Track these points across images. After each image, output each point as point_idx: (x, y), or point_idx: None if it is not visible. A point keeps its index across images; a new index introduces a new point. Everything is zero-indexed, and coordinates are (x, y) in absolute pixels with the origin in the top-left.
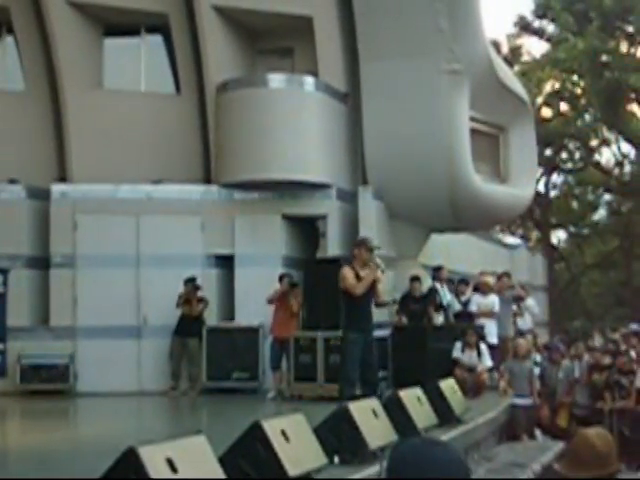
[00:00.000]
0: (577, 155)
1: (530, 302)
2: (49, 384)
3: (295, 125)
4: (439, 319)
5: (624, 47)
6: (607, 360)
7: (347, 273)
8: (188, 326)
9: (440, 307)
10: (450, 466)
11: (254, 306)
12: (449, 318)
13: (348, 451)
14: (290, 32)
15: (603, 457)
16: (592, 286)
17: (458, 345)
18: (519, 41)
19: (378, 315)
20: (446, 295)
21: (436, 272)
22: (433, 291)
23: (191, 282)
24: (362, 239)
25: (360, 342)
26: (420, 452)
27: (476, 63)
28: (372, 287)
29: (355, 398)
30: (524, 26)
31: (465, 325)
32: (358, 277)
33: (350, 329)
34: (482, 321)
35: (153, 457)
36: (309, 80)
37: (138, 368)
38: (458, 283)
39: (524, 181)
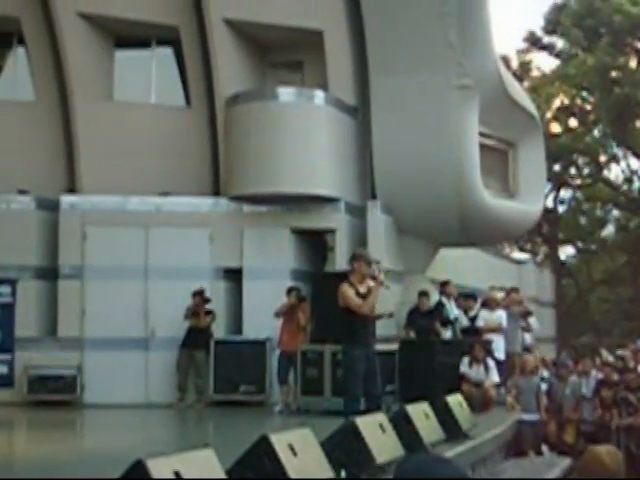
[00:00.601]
0: (586, 171)
1: (530, 319)
2: (56, 395)
3: (304, 139)
4: (447, 334)
5: (634, 63)
6: (616, 376)
7: (348, 291)
8: (196, 339)
9: (447, 322)
10: None
11: (262, 319)
12: (457, 333)
13: (355, 465)
14: (300, 46)
15: (613, 474)
16: (600, 302)
17: (465, 360)
18: (529, 56)
19: (386, 329)
20: (453, 310)
21: (443, 287)
22: (440, 306)
23: (200, 294)
24: (360, 252)
25: (363, 358)
26: (425, 469)
27: (486, 78)
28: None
29: (360, 413)
30: (534, 41)
31: (473, 340)
32: (358, 293)
33: (352, 345)
34: (489, 336)
35: (161, 470)
36: (319, 94)
37: (145, 380)
38: (465, 298)
39: (533, 196)
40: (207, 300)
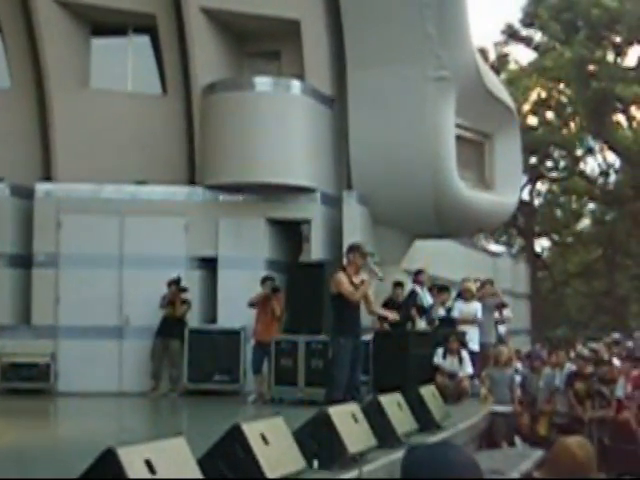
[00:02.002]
0: (562, 164)
1: (504, 311)
2: (30, 383)
3: (281, 128)
4: (421, 324)
5: (611, 57)
6: (590, 369)
7: (343, 279)
8: (170, 327)
9: (422, 310)
10: (464, 468)
11: (236, 309)
12: (432, 321)
13: (327, 455)
14: (277, 35)
15: (583, 466)
16: (575, 295)
17: (440, 351)
18: (506, 49)
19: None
20: (427, 298)
21: (416, 276)
22: (413, 294)
23: (175, 283)
24: (356, 244)
25: (349, 347)
26: (435, 454)
27: (463, 70)
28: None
29: (340, 402)
30: (511, 34)
31: (447, 331)
32: (352, 283)
33: (340, 334)
34: (464, 328)
35: (132, 458)
36: (296, 84)
37: (119, 368)
38: (439, 290)
39: (509, 189)
40: (183, 289)
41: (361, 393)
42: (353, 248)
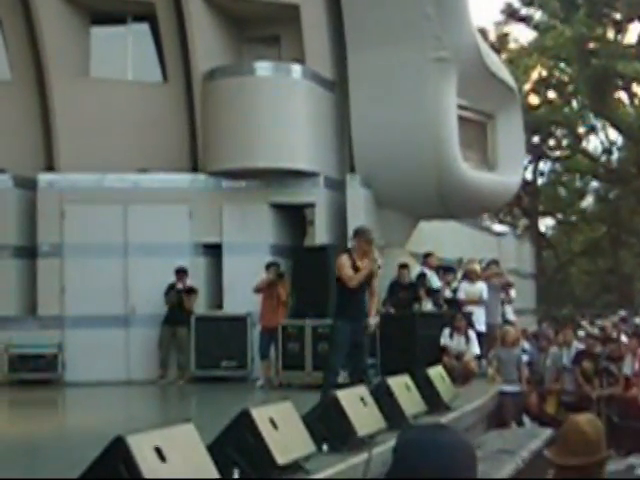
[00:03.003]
0: (565, 142)
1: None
2: (37, 374)
3: (282, 113)
4: (428, 305)
5: (611, 34)
6: (598, 348)
7: (344, 262)
8: (178, 315)
9: (431, 291)
10: (457, 450)
11: (242, 295)
12: (439, 303)
13: (336, 439)
14: (277, 20)
15: (593, 444)
16: (580, 274)
17: (446, 332)
18: (506, 28)
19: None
20: (435, 280)
21: (425, 258)
22: (422, 276)
23: (183, 272)
24: (361, 229)
25: (346, 331)
26: (426, 436)
27: (463, 51)
28: (369, 279)
29: (338, 387)
30: (511, 13)
31: (454, 312)
32: (355, 267)
33: (338, 317)
34: (470, 308)
35: (141, 446)
36: (296, 68)
37: (126, 357)
38: (445, 271)
39: (512, 169)
40: (185, 271)
41: (369, 376)
42: (359, 233)
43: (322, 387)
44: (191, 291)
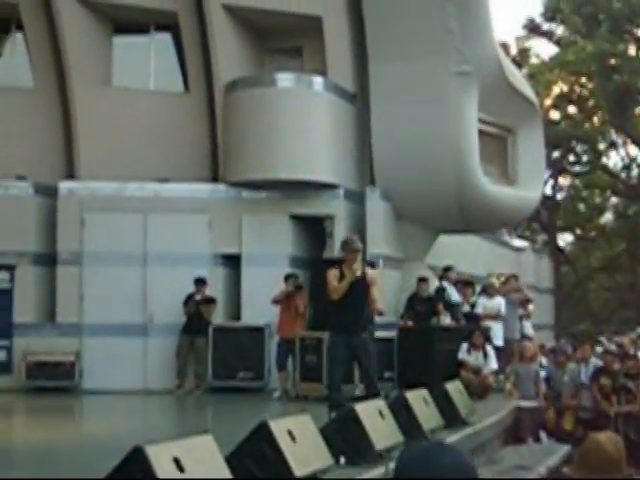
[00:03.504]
0: (585, 158)
1: (529, 306)
2: (55, 381)
3: (303, 125)
4: (446, 319)
5: (632, 50)
6: (617, 365)
7: (330, 275)
8: (196, 325)
9: (449, 305)
10: (458, 470)
11: (260, 305)
12: (457, 318)
13: (354, 452)
14: (299, 32)
15: (614, 462)
16: (598, 289)
17: (464, 346)
18: (528, 43)
19: (384, 315)
20: (454, 294)
21: (445, 272)
22: (441, 290)
23: (202, 282)
24: (347, 239)
25: (342, 345)
26: (428, 456)
27: (485, 65)
28: (366, 290)
29: (340, 405)
30: (533, 28)
31: (472, 326)
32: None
33: (332, 331)
34: (488, 323)
35: (160, 456)
36: (318, 80)
37: (144, 366)
38: (464, 285)
39: (532, 183)
40: (203, 282)
41: (386, 390)
42: (344, 243)
43: (328, 404)
44: (210, 301)
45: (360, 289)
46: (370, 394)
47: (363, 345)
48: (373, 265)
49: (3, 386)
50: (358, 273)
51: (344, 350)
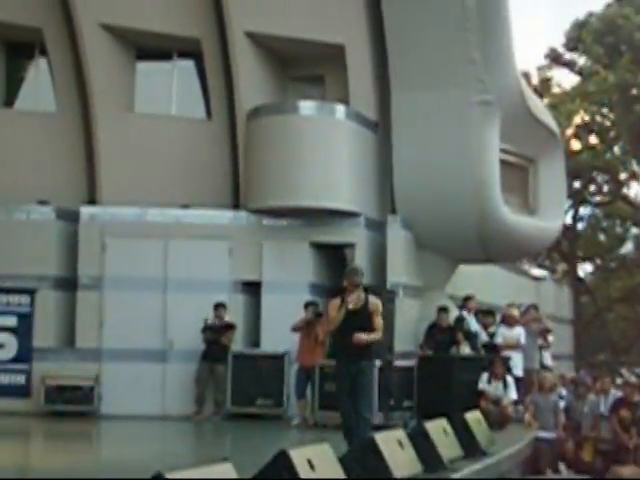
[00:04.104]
0: (605, 188)
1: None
2: (73, 405)
3: (325, 153)
4: (466, 349)
5: None
6: (637, 396)
7: (330, 305)
8: (216, 352)
9: (468, 335)
10: None
11: (280, 333)
12: (476, 347)
13: None
14: (322, 60)
15: None
16: (618, 320)
17: (484, 377)
18: (549, 73)
19: (404, 344)
20: (473, 324)
21: (465, 301)
22: (461, 319)
23: (221, 306)
24: (348, 270)
25: (344, 374)
26: None
27: (507, 94)
28: (368, 319)
29: (349, 432)
30: (555, 58)
31: (493, 356)
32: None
33: (336, 360)
34: (507, 353)
35: None
36: (340, 108)
37: (162, 392)
38: (484, 315)
39: (553, 213)
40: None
41: (363, 430)
42: (346, 274)
43: (343, 433)
44: (229, 327)
45: (359, 319)
46: (362, 433)
47: (359, 376)
48: (378, 293)
49: (22, 410)
50: (350, 306)
51: (345, 380)
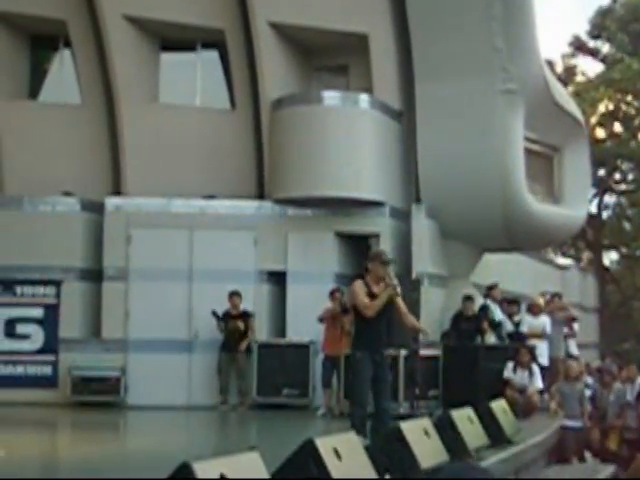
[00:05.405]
0: (630, 176)
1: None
2: (100, 396)
3: (349, 142)
4: (490, 338)
5: None
6: None
7: (359, 289)
8: (235, 341)
9: (493, 324)
10: None
11: (305, 322)
12: (501, 336)
13: (399, 470)
14: (346, 49)
15: None
16: None
17: (510, 365)
18: (574, 61)
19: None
20: (498, 313)
21: (489, 290)
22: (485, 308)
23: (235, 295)
24: (376, 252)
25: (368, 362)
26: (461, 475)
27: (531, 83)
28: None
29: (363, 424)
30: (579, 46)
31: (518, 345)
32: (371, 294)
33: (358, 348)
34: (533, 342)
35: (207, 473)
36: (364, 97)
37: (188, 382)
38: (509, 303)
39: (578, 202)
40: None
41: (387, 419)
42: (372, 257)
43: (350, 422)
44: (246, 315)
45: (388, 305)
46: (380, 425)
47: (383, 364)
48: (402, 282)
49: (48, 401)
50: (398, 289)
51: (370, 368)
